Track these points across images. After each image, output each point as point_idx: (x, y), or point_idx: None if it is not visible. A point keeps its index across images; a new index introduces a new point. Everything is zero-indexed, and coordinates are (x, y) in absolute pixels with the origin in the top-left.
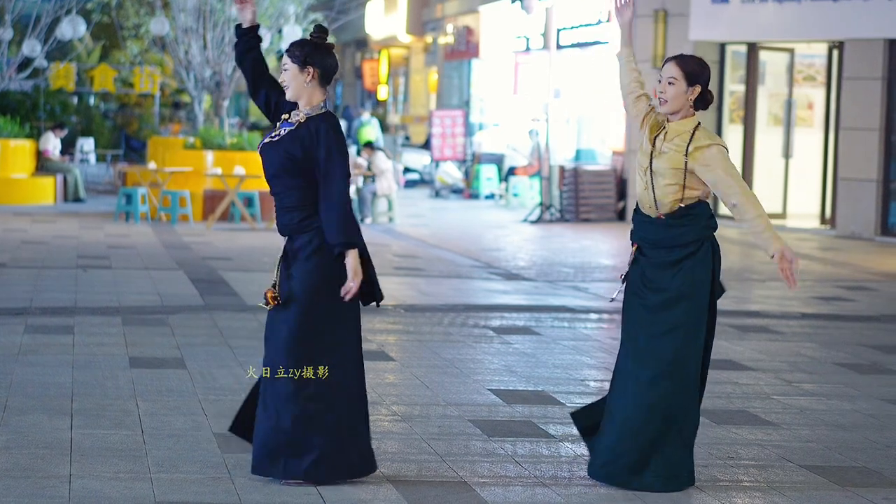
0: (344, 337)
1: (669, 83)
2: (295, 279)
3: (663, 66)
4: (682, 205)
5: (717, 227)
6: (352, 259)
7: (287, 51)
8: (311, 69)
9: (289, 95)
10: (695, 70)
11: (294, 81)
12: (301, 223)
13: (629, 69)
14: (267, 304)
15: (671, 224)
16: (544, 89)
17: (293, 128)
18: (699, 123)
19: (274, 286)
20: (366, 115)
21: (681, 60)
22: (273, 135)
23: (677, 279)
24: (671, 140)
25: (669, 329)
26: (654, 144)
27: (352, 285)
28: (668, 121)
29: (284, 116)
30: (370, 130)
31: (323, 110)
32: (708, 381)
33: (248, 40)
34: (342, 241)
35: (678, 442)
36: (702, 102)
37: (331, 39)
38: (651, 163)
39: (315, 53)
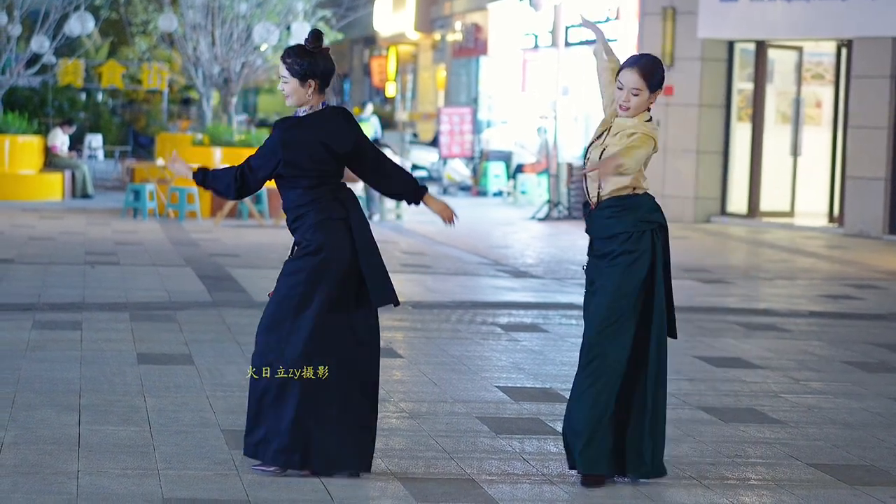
0: (340, 335)
1: (634, 94)
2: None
3: (621, 71)
4: (614, 195)
5: (660, 222)
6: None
7: (284, 61)
8: (311, 82)
9: (290, 103)
10: (657, 76)
11: (296, 94)
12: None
13: (605, 67)
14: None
15: (602, 215)
16: (552, 87)
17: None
18: (648, 125)
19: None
20: (367, 112)
21: (643, 69)
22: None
23: (606, 271)
24: (613, 135)
25: (592, 320)
26: (599, 137)
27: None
28: (615, 116)
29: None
30: (367, 127)
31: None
32: (716, 379)
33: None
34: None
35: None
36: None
37: (339, 36)
38: (589, 154)
39: (314, 65)
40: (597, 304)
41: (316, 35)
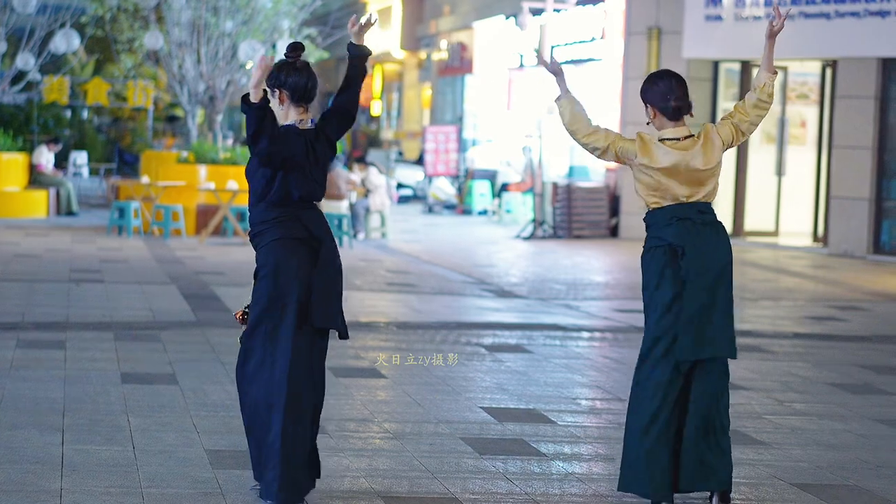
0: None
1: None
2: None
3: None
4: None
5: (664, 240)
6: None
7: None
8: (277, 91)
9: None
10: (643, 89)
11: (274, 107)
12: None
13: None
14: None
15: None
16: (538, 105)
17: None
18: (686, 136)
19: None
20: None
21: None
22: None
23: None
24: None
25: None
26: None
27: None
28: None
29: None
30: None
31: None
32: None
33: None
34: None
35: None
36: (669, 112)
37: (324, 54)
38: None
39: (279, 75)
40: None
41: (293, 46)
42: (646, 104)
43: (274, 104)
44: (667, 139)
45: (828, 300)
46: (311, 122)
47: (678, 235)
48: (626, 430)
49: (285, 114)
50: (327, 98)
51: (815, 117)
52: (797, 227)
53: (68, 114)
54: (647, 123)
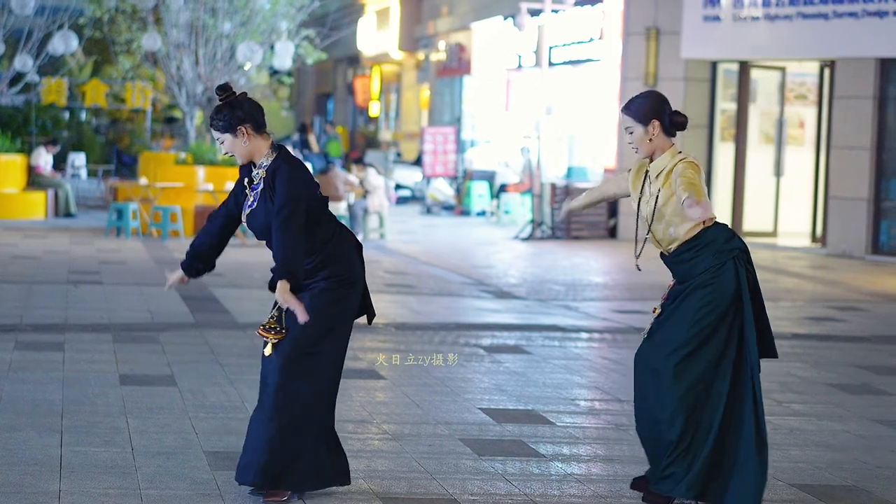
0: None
1: (629, 132)
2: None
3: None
4: (688, 237)
5: (740, 247)
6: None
7: (211, 125)
8: (242, 128)
9: (239, 161)
10: (642, 109)
11: (235, 148)
12: (314, 269)
13: (597, 199)
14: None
15: (681, 260)
16: (536, 106)
17: (261, 187)
18: (680, 156)
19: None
20: (332, 131)
21: (627, 108)
22: (250, 204)
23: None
24: (655, 181)
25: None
26: (641, 191)
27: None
28: (649, 162)
29: (247, 182)
30: (336, 145)
31: (275, 154)
32: None
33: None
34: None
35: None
36: (672, 127)
37: (322, 56)
38: (639, 208)
39: (234, 113)
40: (675, 327)
41: (222, 87)
42: (661, 115)
43: (239, 143)
44: None
45: (826, 301)
46: (273, 146)
47: None
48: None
49: (254, 148)
50: (324, 99)
51: (813, 118)
52: (796, 227)
53: (66, 115)
54: (655, 136)
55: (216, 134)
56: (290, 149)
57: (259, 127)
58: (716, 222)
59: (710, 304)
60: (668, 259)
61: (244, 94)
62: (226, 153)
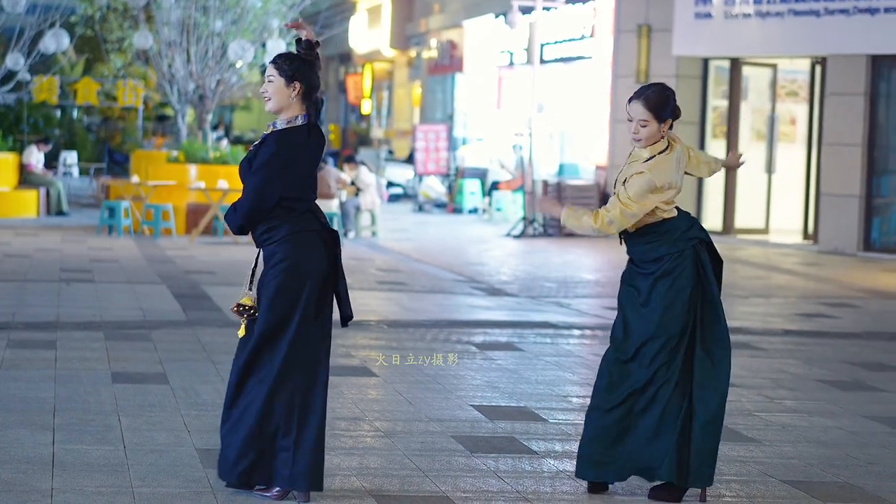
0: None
1: (643, 126)
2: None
3: (629, 103)
4: (649, 221)
5: (699, 236)
6: None
7: (273, 62)
8: (297, 84)
9: (269, 107)
10: (661, 105)
11: (278, 94)
12: (262, 235)
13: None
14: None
15: (642, 241)
16: (528, 104)
17: (257, 143)
18: (661, 151)
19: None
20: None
21: (646, 100)
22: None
23: (653, 293)
24: (630, 164)
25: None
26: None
27: None
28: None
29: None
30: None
31: (297, 123)
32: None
33: None
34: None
35: None
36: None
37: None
38: (615, 185)
39: (302, 69)
40: (644, 321)
41: (310, 44)
42: (673, 113)
43: (284, 93)
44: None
45: (818, 297)
46: (304, 117)
47: None
48: None
49: (291, 107)
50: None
51: (804, 114)
52: (787, 224)
53: (58, 113)
54: (664, 134)
55: (272, 71)
56: None
57: (307, 96)
58: (680, 212)
59: (674, 291)
60: (628, 236)
61: (319, 62)
62: (263, 92)
